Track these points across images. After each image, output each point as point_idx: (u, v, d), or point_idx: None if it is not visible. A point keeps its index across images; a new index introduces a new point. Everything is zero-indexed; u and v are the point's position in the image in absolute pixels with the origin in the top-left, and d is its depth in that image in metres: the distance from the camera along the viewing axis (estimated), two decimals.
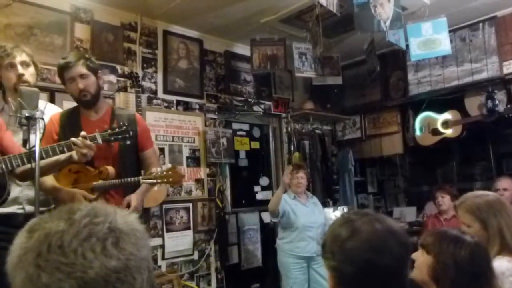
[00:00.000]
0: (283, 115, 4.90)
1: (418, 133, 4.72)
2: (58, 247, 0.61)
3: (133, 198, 2.14)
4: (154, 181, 2.10)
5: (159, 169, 2.14)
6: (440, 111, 4.56)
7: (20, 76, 2.19)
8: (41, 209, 2.11)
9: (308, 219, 3.55)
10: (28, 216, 1.90)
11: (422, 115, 4.69)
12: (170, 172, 2.10)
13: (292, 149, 4.81)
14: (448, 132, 4.48)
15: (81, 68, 2.16)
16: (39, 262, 0.61)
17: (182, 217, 3.86)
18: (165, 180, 2.09)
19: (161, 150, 3.77)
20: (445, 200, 3.81)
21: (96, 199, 2.09)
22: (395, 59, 4.70)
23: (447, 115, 4.51)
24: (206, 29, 4.14)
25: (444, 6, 3.69)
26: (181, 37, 4.09)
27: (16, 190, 2.14)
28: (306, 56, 4.08)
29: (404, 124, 4.89)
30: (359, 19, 3.05)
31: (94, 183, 2.09)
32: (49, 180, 2.13)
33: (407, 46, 3.75)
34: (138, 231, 0.69)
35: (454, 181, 5.05)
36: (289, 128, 4.87)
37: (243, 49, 4.52)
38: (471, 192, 1.87)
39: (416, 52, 3.61)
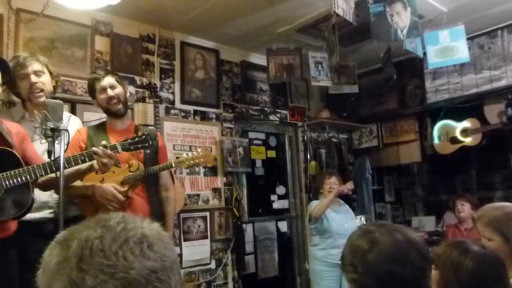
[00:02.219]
0: (299, 124, 4.91)
1: (436, 141, 4.67)
2: (100, 250, 0.65)
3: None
4: (187, 163, 2.21)
5: (190, 153, 2.27)
6: (459, 119, 4.51)
7: (32, 85, 2.25)
8: (69, 214, 2.17)
9: (341, 226, 3.51)
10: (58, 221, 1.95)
11: (441, 123, 4.64)
12: (201, 153, 2.23)
13: (308, 158, 4.81)
14: (468, 140, 4.42)
15: (111, 79, 2.32)
16: (83, 266, 0.64)
17: (199, 226, 3.88)
18: (197, 161, 2.21)
19: None
20: (465, 208, 3.76)
21: (127, 191, 2.13)
22: (412, 67, 4.67)
23: (466, 123, 4.45)
24: (222, 40, 4.19)
25: (462, 14, 3.67)
26: (198, 48, 4.14)
27: (45, 194, 2.20)
28: (322, 65, 4.09)
29: (422, 132, 4.85)
30: (375, 28, 3.05)
31: (124, 176, 2.13)
32: (76, 183, 2.17)
33: (424, 54, 3.73)
34: (165, 237, 0.74)
35: (473, 190, 4.96)
36: (305, 137, 4.86)
37: (259, 59, 4.55)
38: (490, 204, 1.83)
39: (433, 60, 3.59)
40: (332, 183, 3.62)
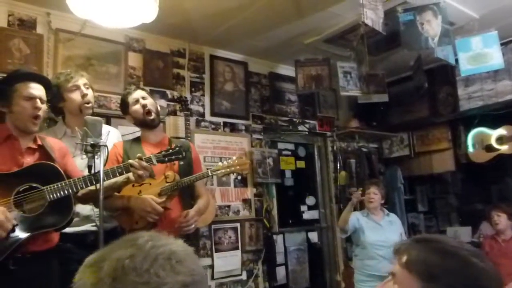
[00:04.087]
0: (328, 134, 4.89)
1: (470, 149, 4.55)
2: (132, 269, 0.67)
3: (191, 210, 2.23)
4: (223, 171, 2.24)
5: (225, 161, 2.31)
6: (494, 126, 4.39)
7: (84, 96, 2.36)
8: (108, 225, 2.24)
9: (377, 237, 3.42)
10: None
11: (475, 131, 4.53)
12: (237, 161, 2.26)
13: (338, 168, 4.77)
14: (504, 148, 4.30)
15: (141, 92, 2.44)
16: (116, 285, 0.66)
17: (230, 237, 3.90)
18: (233, 169, 2.24)
19: None
20: (501, 219, 3.63)
21: (165, 202, 2.17)
22: (443, 74, 4.58)
23: (501, 131, 4.33)
24: (250, 52, 4.25)
25: (494, 19, 3.58)
26: (226, 61, 4.21)
27: (87, 208, 2.28)
28: (350, 75, 4.08)
29: (455, 140, 4.73)
30: (405, 37, 3.03)
31: (161, 187, 2.18)
32: (114, 195, 2.24)
33: (456, 60, 3.66)
34: (192, 252, 0.76)
35: (510, 199, 4.78)
36: (335, 147, 4.84)
37: (286, 70, 4.58)
38: None
39: (466, 67, 3.52)
40: (371, 193, 3.55)
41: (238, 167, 2.26)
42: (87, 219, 2.30)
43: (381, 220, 3.56)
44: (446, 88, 4.65)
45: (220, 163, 2.31)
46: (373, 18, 2.78)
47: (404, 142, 5.20)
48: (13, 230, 1.74)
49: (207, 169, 2.35)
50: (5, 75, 2.18)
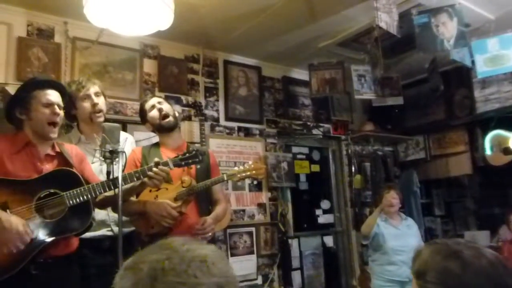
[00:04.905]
0: (343, 137, 4.87)
1: (488, 152, 4.47)
2: (171, 269, 0.71)
3: (208, 218, 2.24)
4: (239, 176, 2.25)
5: (241, 166, 2.31)
6: (511, 128, 4.31)
7: (94, 105, 2.41)
8: (124, 230, 2.27)
9: (397, 243, 3.37)
10: (116, 239, 2.05)
11: (492, 134, 4.45)
12: (253, 166, 2.27)
13: (353, 171, 4.75)
14: None
15: (157, 98, 2.50)
16: (157, 285, 0.69)
17: (245, 241, 3.91)
18: (249, 173, 2.24)
19: None
20: None
21: (181, 206, 2.19)
22: (459, 77, 4.53)
23: None
24: (264, 57, 4.27)
25: (511, 21, 3.53)
26: (240, 66, 4.23)
27: (102, 213, 2.32)
28: (365, 78, 4.06)
29: (472, 143, 4.67)
30: (421, 40, 3.01)
31: (177, 192, 2.21)
32: (132, 199, 2.27)
33: (472, 62, 3.62)
34: (223, 255, 0.80)
35: None
36: (349, 150, 4.82)
37: (300, 74, 4.59)
38: None
39: (482, 69, 3.47)
40: (391, 197, 3.50)
41: (254, 171, 2.27)
42: (102, 224, 2.33)
43: (399, 224, 3.52)
44: (462, 90, 4.60)
45: (236, 168, 2.31)
46: (388, 21, 2.77)
47: (420, 145, 5.14)
48: (30, 243, 1.77)
49: (223, 173, 2.36)
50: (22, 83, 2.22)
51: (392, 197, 3.50)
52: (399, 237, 3.41)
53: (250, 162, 2.35)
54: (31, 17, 3.10)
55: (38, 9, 3.08)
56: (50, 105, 1.97)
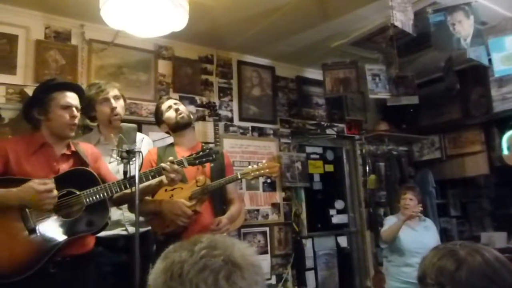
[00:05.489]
0: (357, 137, 4.84)
1: (505, 152, 4.39)
2: (178, 275, 0.70)
3: (223, 218, 2.25)
4: (253, 174, 2.26)
5: (255, 164, 2.33)
6: None
7: (113, 109, 2.44)
8: (141, 230, 2.30)
9: (414, 245, 3.30)
10: (130, 238, 2.07)
11: (509, 133, 4.37)
12: (266, 164, 2.28)
13: (367, 171, 4.72)
14: None
15: (173, 100, 2.56)
16: (169, 284, 0.70)
17: (259, 241, 3.92)
18: (262, 172, 2.26)
19: None
20: None
21: (195, 205, 2.21)
22: (476, 75, 4.46)
23: None
24: (277, 57, 4.27)
25: None
26: (254, 66, 4.24)
27: (117, 213, 2.35)
28: (379, 77, 4.03)
29: (488, 142, 4.60)
30: (436, 39, 2.97)
31: (192, 191, 2.22)
32: (147, 198, 2.30)
33: (489, 61, 3.57)
34: (254, 266, 0.73)
35: None
36: (363, 150, 4.79)
37: (314, 74, 4.58)
38: None
39: (500, 67, 3.42)
40: (407, 199, 3.44)
41: (268, 170, 2.28)
42: (117, 223, 2.36)
43: (417, 225, 3.46)
44: (479, 89, 4.53)
45: (249, 167, 2.33)
46: (403, 19, 2.75)
47: (435, 144, 5.08)
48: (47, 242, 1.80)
49: (236, 172, 2.37)
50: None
51: (409, 199, 3.44)
52: (416, 238, 3.35)
53: (264, 161, 2.36)
54: (49, 21, 3.15)
55: (55, 12, 3.13)
56: (68, 107, 2.01)
